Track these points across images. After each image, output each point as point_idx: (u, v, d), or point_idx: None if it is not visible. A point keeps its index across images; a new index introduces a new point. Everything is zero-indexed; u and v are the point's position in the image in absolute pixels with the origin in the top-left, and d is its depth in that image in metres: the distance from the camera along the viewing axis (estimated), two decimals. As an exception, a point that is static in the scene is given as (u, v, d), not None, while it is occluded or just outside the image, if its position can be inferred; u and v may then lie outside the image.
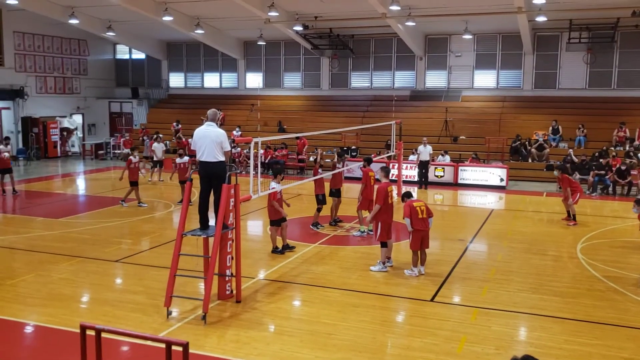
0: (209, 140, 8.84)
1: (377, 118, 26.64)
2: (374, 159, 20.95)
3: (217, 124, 9.11)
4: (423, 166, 22.15)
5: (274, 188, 11.77)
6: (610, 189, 20.91)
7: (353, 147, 27.11)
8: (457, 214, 18.48)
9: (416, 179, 22.57)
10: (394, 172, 21.43)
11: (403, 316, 9.07)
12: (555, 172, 17.00)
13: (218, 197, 8.89)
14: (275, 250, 12.21)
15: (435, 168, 23.16)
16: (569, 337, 8.01)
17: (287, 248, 12.35)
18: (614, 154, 22.73)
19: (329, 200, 15.15)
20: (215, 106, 22.14)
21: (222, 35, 31.62)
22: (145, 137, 29.89)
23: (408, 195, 11.23)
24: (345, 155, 15.98)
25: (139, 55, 36.05)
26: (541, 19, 23.61)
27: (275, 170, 12.45)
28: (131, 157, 17.67)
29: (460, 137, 26.98)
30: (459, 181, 22.83)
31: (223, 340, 7.82)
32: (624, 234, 14.45)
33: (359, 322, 8.46)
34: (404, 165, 22.26)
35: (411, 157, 23.86)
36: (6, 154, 19.23)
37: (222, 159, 8.92)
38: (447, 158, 24.06)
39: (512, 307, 9.20)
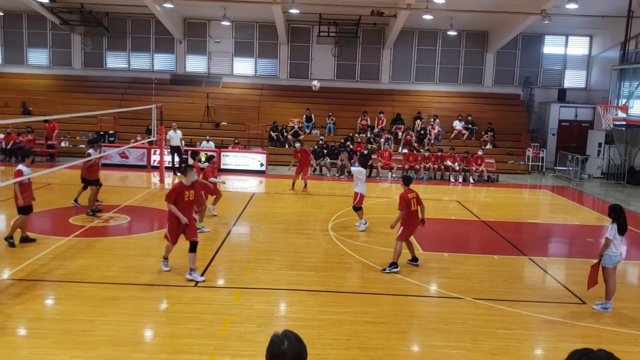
0: None
1: (137, 101, 25.59)
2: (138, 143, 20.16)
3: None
4: (175, 151, 21.87)
5: (20, 170, 10.90)
6: (356, 171, 23.21)
7: (111, 132, 25.62)
8: (221, 198, 18.72)
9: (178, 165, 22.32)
10: (155, 157, 20.89)
11: (166, 304, 8.91)
12: (297, 145, 19.54)
13: (-55, 189, 7.70)
14: (8, 239, 11.20)
15: (199, 153, 23.14)
16: (322, 308, 8.75)
17: (27, 240, 11.46)
18: (358, 140, 25.25)
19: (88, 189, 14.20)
20: (-61, 83, 19.01)
21: (-55, 0, 27.13)
22: None
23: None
24: (99, 143, 15.01)
25: None
26: (294, 11, 24.99)
27: (25, 152, 11.44)
28: None
29: (222, 123, 27.32)
30: (222, 166, 23.15)
31: (-43, 353, 6.85)
32: (367, 211, 16.14)
33: (119, 315, 8.11)
34: (167, 151, 21.80)
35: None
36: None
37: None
38: (212, 144, 24.20)
39: (272, 284, 9.71)
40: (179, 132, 21.98)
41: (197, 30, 29.64)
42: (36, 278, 9.56)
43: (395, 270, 10.53)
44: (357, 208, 13.97)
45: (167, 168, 21.35)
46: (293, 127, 26.60)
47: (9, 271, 9.82)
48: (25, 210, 11.17)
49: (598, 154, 25.60)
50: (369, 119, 27.35)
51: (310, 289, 9.56)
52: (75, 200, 14.93)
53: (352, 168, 15.04)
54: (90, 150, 14.35)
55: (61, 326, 7.68)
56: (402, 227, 10.73)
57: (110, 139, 24.72)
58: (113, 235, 12.69)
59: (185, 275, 9.68)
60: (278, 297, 9.28)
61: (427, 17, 24.57)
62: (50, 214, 14.36)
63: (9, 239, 11.19)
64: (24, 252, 10.88)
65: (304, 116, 27.45)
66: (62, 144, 24.95)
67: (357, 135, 26.40)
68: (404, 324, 8.38)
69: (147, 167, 23.03)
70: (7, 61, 29.53)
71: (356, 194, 13.90)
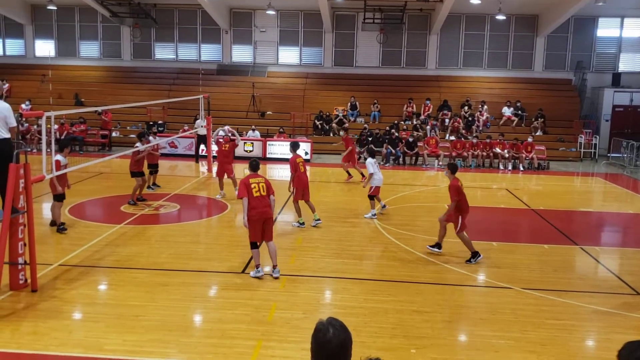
0: (-9, 115, 7.92)
1: (185, 92, 26.00)
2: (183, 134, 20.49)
3: (1, 96, 8.20)
4: (202, 140, 21.85)
5: (58, 160, 11.08)
6: (401, 159, 23.05)
7: (160, 122, 26.18)
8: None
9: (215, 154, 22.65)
10: (203, 147, 21.23)
11: (215, 290, 9.09)
12: (342, 133, 20.04)
13: (5, 178, 8.02)
14: (59, 228, 11.65)
15: (245, 143, 23.39)
16: (367, 296, 8.74)
17: (55, 224, 11.88)
18: (404, 127, 24.99)
19: (132, 180, 14.55)
20: (-2, 76, 19.78)
21: (3, -4, 28.18)
22: None
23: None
24: (147, 136, 15.33)
25: None
26: (339, -2, 24.86)
27: (62, 143, 11.69)
28: None
29: (268, 113, 27.51)
30: (268, 155, 23.36)
31: (18, 334, 7.17)
32: (413, 199, 16.06)
33: (169, 300, 8.32)
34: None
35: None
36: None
37: (7, 135, 8.10)
38: (257, 133, 24.44)
39: (318, 272, 9.77)
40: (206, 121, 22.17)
41: (242, 20, 29.86)
42: (90, 264, 9.89)
43: (479, 258, 10.40)
44: (371, 197, 13.85)
45: (202, 157, 21.84)
46: (338, 116, 26.55)
47: (64, 258, 10.19)
48: (61, 197, 11.62)
49: (655, 140, 24.62)
50: (414, 106, 27.04)
51: (355, 277, 9.56)
52: (153, 184, 16.17)
53: (368, 165, 14.16)
54: (138, 144, 14.75)
55: (114, 311, 7.93)
56: (460, 217, 10.33)
57: (160, 128, 25.24)
58: (163, 222, 13.00)
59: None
60: (323, 285, 9.33)
61: (475, 1, 24.06)
62: (102, 202, 14.82)
63: (59, 227, 11.64)
64: (78, 239, 11.27)
65: (349, 104, 27.35)
66: (113, 134, 25.65)
67: (402, 122, 26.15)
68: (450, 314, 8.30)
69: (195, 156, 23.41)
70: (60, 54, 30.46)
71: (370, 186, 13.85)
